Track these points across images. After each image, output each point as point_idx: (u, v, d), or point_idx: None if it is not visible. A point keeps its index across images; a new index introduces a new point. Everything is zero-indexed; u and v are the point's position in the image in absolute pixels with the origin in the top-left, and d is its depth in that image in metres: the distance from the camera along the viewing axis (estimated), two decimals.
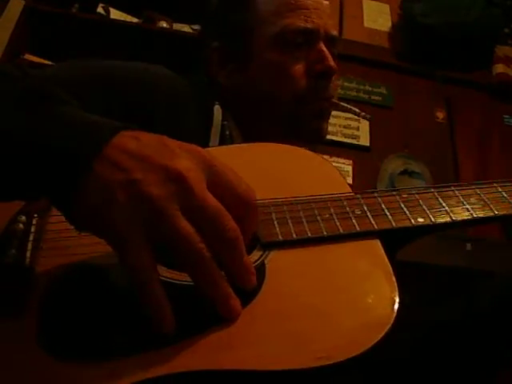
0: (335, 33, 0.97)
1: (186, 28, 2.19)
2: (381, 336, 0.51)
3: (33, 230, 0.61)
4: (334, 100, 0.96)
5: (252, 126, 0.94)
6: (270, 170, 0.71)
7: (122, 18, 2.18)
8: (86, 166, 0.51)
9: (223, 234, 0.51)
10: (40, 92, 0.58)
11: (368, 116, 1.01)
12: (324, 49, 0.92)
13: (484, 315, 0.80)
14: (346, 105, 0.99)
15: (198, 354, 0.50)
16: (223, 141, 0.89)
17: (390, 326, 0.53)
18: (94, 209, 0.50)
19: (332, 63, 0.92)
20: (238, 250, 0.52)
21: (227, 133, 0.90)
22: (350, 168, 2.00)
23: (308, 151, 0.75)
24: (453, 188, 0.70)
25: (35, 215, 0.63)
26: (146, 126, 0.54)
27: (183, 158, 0.52)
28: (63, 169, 0.51)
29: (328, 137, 1.03)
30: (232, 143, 0.90)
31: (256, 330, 0.53)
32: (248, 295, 0.54)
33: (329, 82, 0.93)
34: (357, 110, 1.01)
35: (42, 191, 0.55)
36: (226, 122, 0.91)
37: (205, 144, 0.87)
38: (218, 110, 0.91)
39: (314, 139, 0.92)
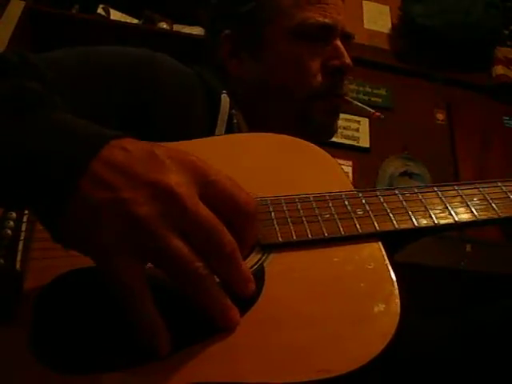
0: (350, 30, 0.96)
1: (186, 29, 2.18)
2: (381, 349, 0.50)
3: (23, 228, 0.58)
4: (348, 98, 0.95)
5: (259, 117, 0.92)
6: (270, 162, 0.69)
7: (122, 19, 2.17)
8: (72, 187, 0.48)
9: (219, 249, 0.49)
10: (23, 96, 0.55)
11: (382, 116, 0.99)
12: (341, 45, 0.92)
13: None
14: (359, 104, 0.97)
15: (199, 367, 0.48)
16: (230, 129, 0.87)
17: (390, 336, 0.51)
18: (81, 230, 0.48)
19: (348, 60, 0.91)
20: (235, 263, 0.50)
21: (235, 121, 0.88)
22: (349, 169, 2.00)
23: (310, 144, 0.73)
24: (456, 187, 0.68)
25: (26, 212, 0.60)
26: (147, 115, 0.52)
27: (174, 171, 0.49)
28: (47, 191, 0.48)
29: None
30: (239, 132, 0.88)
31: (255, 341, 0.51)
32: (247, 301, 0.53)
33: (343, 79, 0.93)
34: (371, 110, 0.98)
35: (24, 207, 0.52)
36: (233, 111, 0.89)
37: (210, 131, 0.86)
38: (225, 98, 0.89)
39: (324, 135, 0.91)
